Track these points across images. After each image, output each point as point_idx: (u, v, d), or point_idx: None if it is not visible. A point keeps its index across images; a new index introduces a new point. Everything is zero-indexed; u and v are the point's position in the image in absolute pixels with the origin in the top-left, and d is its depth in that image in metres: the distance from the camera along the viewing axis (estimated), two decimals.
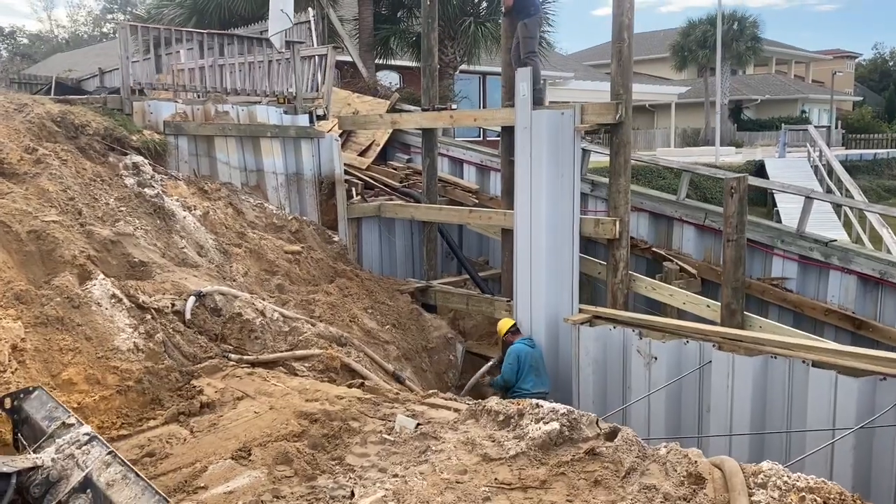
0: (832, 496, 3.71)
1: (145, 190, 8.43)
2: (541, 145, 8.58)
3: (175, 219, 8.45)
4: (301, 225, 10.58)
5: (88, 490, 3.59)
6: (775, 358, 7.09)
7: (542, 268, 8.77)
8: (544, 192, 8.63)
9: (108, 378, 5.82)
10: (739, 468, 3.96)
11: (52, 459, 3.79)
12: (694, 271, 9.39)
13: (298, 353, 7.01)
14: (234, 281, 8.16)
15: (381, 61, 21.43)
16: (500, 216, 9.72)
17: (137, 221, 7.81)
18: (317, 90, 12.39)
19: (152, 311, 6.66)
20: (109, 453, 3.73)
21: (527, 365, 8.50)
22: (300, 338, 7.24)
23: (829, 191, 28.14)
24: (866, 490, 6.63)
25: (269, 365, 6.84)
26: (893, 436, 6.43)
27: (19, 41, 51.69)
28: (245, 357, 6.85)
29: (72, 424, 4.07)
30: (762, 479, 3.83)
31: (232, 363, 6.66)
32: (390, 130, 13.92)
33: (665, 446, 4.44)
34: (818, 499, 3.67)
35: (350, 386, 6.40)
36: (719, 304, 8.18)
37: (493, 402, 5.30)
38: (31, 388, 4.52)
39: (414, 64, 23.25)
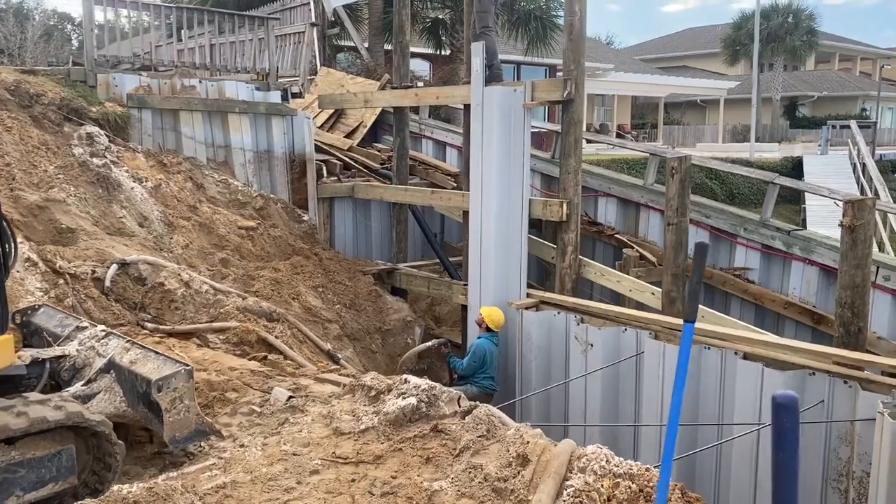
0: (651, 484, 3.46)
1: (93, 160, 8.43)
2: (492, 123, 8.34)
3: (121, 189, 8.44)
4: (266, 202, 10.51)
5: (112, 370, 4.33)
6: (709, 349, 6.76)
7: (491, 249, 8.54)
8: (494, 171, 8.39)
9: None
10: (568, 451, 3.75)
11: (77, 350, 4.56)
12: (654, 259, 9.03)
13: (216, 325, 6.93)
14: (170, 252, 8.12)
15: (390, 46, 21.26)
16: (459, 197, 9.50)
17: (74, 189, 7.81)
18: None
19: (67, 276, 6.66)
20: (128, 342, 4.51)
21: (490, 364, 8.17)
22: (221, 310, 7.16)
23: (862, 190, 27.08)
24: None
25: (185, 336, 6.78)
26: (821, 434, 6.06)
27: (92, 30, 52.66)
28: (161, 327, 6.80)
29: (85, 326, 4.81)
30: (584, 462, 3.61)
31: (145, 332, 6.62)
32: (378, 111, 13.76)
33: (517, 427, 4.24)
34: (633, 486, 3.44)
35: (253, 359, 6.30)
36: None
37: (370, 377, 5.15)
38: (37, 306, 5.29)
39: (429, 51, 23.06)
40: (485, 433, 4.20)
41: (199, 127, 10.31)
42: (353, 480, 3.90)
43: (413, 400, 4.53)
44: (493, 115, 8.32)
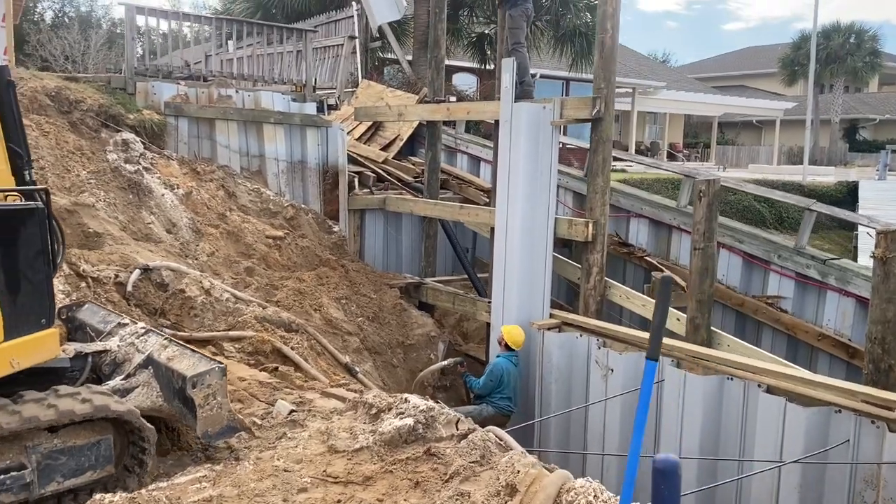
0: None
1: (126, 166, 8.60)
2: (519, 139, 8.24)
3: (151, 195, 8.58)
4: (297, 212, 10.58)
5: (150, 366, 4.59)
6: (731, 379, 6.52)
7: (515, 267, 8.42)
8: (521, 188, 8.28)
9: None
10: (557, 484, 3.62)
11: (118, 346, 4.83)
12: (683, 283, 8.78)
13: (232, 333, 6.96)
14: (195, 259, 8.21)
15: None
16: (486, 213, 9.41)
17: (104, 194, 7.97)
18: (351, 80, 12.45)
19: (90, 279, 6.77)
20: (166, 339, 4.81)
21: (507, 384, 8.01)
22: (240, 319, 7.19)
23: None
24: None
25: (202, 343, 6.80)
26: (845, 476, 5.77)
27: (154, 40, 54.63)
28: (178, 333, 6.84)
29: (126, 324, 5.09)
30: (572, 496, 3.49)
31: None
32: (415, 125, 13.76)
33: (510, 454, 4.12)
34: None
35: (264, 370, 6.30)
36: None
37: (372, 394, 5.09)
38: (82, 302, 5.61)
39: (475, 65, 23.10)
40: (478, 459, 4.09)
41: (234, 136, 10.46)
42: (339, 501, 3.84)
43: (410, 420, 4.45)
44: (521, 131, 8.22)
